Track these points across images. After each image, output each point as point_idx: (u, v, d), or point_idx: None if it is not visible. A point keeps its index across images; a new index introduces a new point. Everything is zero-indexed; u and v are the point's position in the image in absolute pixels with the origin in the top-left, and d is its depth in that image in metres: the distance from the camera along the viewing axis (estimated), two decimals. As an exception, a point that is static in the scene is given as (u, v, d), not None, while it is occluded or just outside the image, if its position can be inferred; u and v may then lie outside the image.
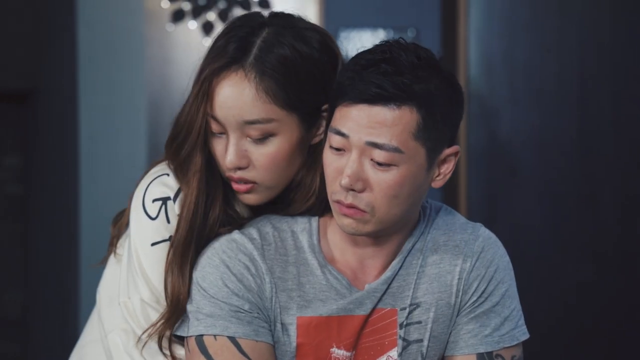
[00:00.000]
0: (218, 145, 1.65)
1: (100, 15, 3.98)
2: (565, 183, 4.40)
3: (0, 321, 4.84)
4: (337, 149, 1.56)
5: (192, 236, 1.65)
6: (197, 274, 1.65)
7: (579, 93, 4.29)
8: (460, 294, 1.67)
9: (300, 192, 1.69)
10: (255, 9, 5.24)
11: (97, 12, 3.98)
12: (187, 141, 1.65)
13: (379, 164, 1.54)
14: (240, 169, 1.64)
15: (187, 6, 5.16)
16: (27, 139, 4.76)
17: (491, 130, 4.98)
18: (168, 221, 1.68)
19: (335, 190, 1.57)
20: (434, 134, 1.55)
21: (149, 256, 1.67)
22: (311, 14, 5.59)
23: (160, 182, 1.70)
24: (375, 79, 1.52)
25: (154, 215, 1.68)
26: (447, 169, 1.61)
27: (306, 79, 1.63)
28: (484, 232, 1.71)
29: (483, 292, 1.67)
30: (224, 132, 1.64)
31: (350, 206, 1.56)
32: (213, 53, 1.62)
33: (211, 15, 5.19)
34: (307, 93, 1.63)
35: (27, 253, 4.83)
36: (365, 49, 1.60)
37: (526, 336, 1.70)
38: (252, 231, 1.66)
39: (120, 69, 4.03)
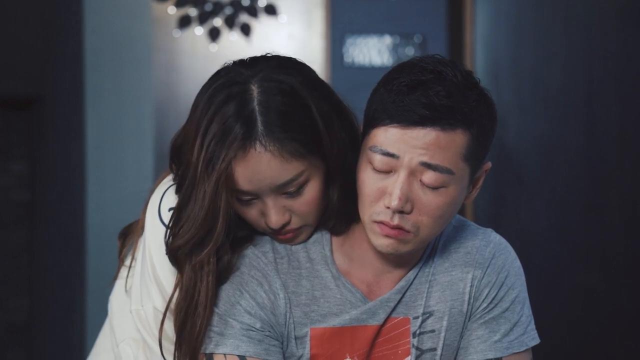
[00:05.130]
0: (250, 210, 1.61)
1: (107, 21, 3.98)
2: (572, 190, 4.39)
3: (6, 327, 4.84)
4: (382, 171, 1.53)
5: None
6: None
7: (585, 100, 4.28)
8: (472, 301, 1.66)
9: (327, 212, 1.67)
10: (262, 15, 5.24)
11: (104, 18, 3.98)
12: (213, 237, 1.59)
13: (430, 185, 1.51)
14: (286, 224, 1.61)
15: (193, 12, 5.16)
16: (33, 145, 4.77)
17: (498, 137, 4.97)
18: None
19: (378, 211, 1.53)
20: (479, 153, 1.54)
21: (163, 265, 1.66)
22: (317, 20, 5.59)
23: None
24: (426, 100, 1.48)
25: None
26: (478, 184, 1.61)
27: (310, 119, 1.59)
28: (495, 238, 1.70)
29: (494, 298, 1.66)
30: (254, 198, 1.60)
31: (397, 227, 1.53)
32: (216, 139, 1.55)
33: (217, 21, 5.20)
34: (318, 131, 1.60)
35: (32, 259, 4.84)
36: (398, 67, 1.56)
37: (536, 341, 1.69)
38: (265, 244, 1.65)
39: (126, 75, 4.03)
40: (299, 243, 1.66)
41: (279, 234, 1.63)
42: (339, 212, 1.64)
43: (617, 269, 3.99)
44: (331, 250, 1.64)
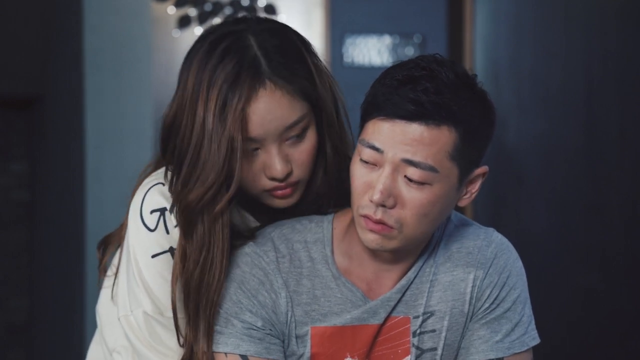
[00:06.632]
0: (253, 165, 1.63)
1: (107, 21, 3.98)
2: (572, 190, 4.39)
3: (6, 327, 4.84)
4: (368, 163, 1.54)
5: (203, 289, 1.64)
6: None
7: (585, 100, 4.28)
8: (474, 301, 1.66)
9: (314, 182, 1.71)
10: (261, 14, 5.25)
11: (103, 18, 3.98)
12: (232, 183, 1.60)
13: (413, 181, 1.52)
14: (287, 175, 1.64)
15: (193, 12, 5.16)
16: (33, 145, 4.77)
17: (498, 137, 4.97)
18: (167, 232, 1.66)
19: (363, 205, 1.55)
20: (469, 154, 1.54)
21: (150, 268, 1.66)
22: (317, 19, 5.59)
23: (157, 192, 1.67)
24: (414, 95, 1.50)
25: (152, 227, 1.66)
26: (473, 187, 1.60)
27: (304, 60, 1.65)
28: (497, 238, 1.70)
29: (495, 298, 1.66)
30: (258, 147, 1.62)
31: (379, 222, 1.54)
32: (227, 84, 1.59)
33: (217, 21, 5.20)
34: (312, 74, 1.65)
35: (32, 259, 4.84)
36: (398, 63, 1.57)
37: (536, 341, 1.69)
38: (266, 243, 1.65)
39: (126, 75, 4.03)
40: (288, 205, 1.68)
41: (278, 189, 1.65)
42: (332, 177, 1.69)
43: (617, 269, 3.99)
44: (332, 251, 1.64)
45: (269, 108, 1.59)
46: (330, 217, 1.68)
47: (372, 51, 6.00)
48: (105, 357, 1.78)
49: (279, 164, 1.62)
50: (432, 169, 1.51)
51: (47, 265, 4.66)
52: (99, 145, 3.97)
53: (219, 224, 1.61)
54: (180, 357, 1.65)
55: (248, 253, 1.64)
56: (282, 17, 5.35)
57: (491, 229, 1.71)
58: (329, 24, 5.69)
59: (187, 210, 1.61)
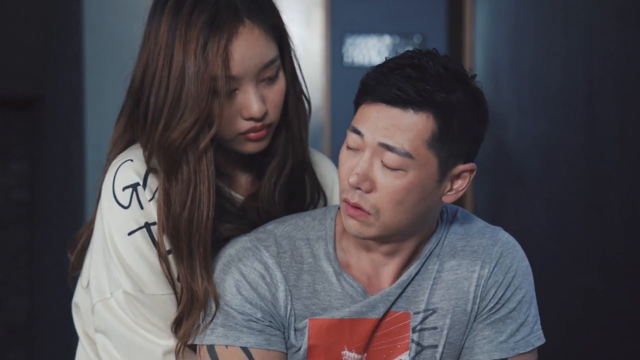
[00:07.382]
0: (231, 106, 1.67)
1: (107, 21, 3.98)
2: (572, 190, 4.39)
3: (6, 327, 4.84)
4: (352, 149, 1.58)
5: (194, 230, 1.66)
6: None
7: (585, 100, 4.28)
8: (478, 300, 1.66)
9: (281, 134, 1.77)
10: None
11: (103, 18, 3.98)
12: (213, 122, 1.65)
13: (389, 167, 1.54)
14: (264, 115, 1.69)
15: (193, 12, 5.16)
16: (33, 145, 4.77)
17: (497, 137, 4.97)
18: (141, 207, 1.66)
19: (344, 189, 1.59)
20: (449, 145, 1.56)
21: (127, 246, 1.66)
22: (317, 19, 5.59)
23: (127, 168, 1.69)
24: (398, 81, 1.53)
25: (126, 204, 1.66)
26: (460, 185, 1.61)
27: (275, 7, 1.73)
28: (503, 236, 1.70)
29: (500, 298, 1.67)
30: (236, 88, 1.67)
31: (356, 206, 1.57)
32: (208, 24, 1.63)
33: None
34: (280, 19, 1.74)
35: (32, 259, 4.83)
36: (397, 54, 1.62)
37: (541, 341, 1.70)
38: (268, 239, 1.67)
39: (126, 75, 4.03)
40: (259, 150, 1.71)
41: (252, 132, 1.69)
42: (295, 132, 1.76)
43: (617, 269, 3.99)
44: (334, 247, 1.65)
45: (249, 45, 1.64)
46: (333, 214, 1.69)
47: (372, 51, 5.99)
48: (90, 357, 1.78)
49: (256, 103, 1.66)
50: (407, 154, 1.53)
51: (47, 265, 4.65)
52: (99, 145, 3.96)
53: (204, 162, 1.65)
54: (172, 319, 1.65)
55: (249, 247, 1.66)
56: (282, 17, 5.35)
57: (498, 228, 1.71)
58: (329, 24, 5.68)
59: (171, 149, 1.64)
